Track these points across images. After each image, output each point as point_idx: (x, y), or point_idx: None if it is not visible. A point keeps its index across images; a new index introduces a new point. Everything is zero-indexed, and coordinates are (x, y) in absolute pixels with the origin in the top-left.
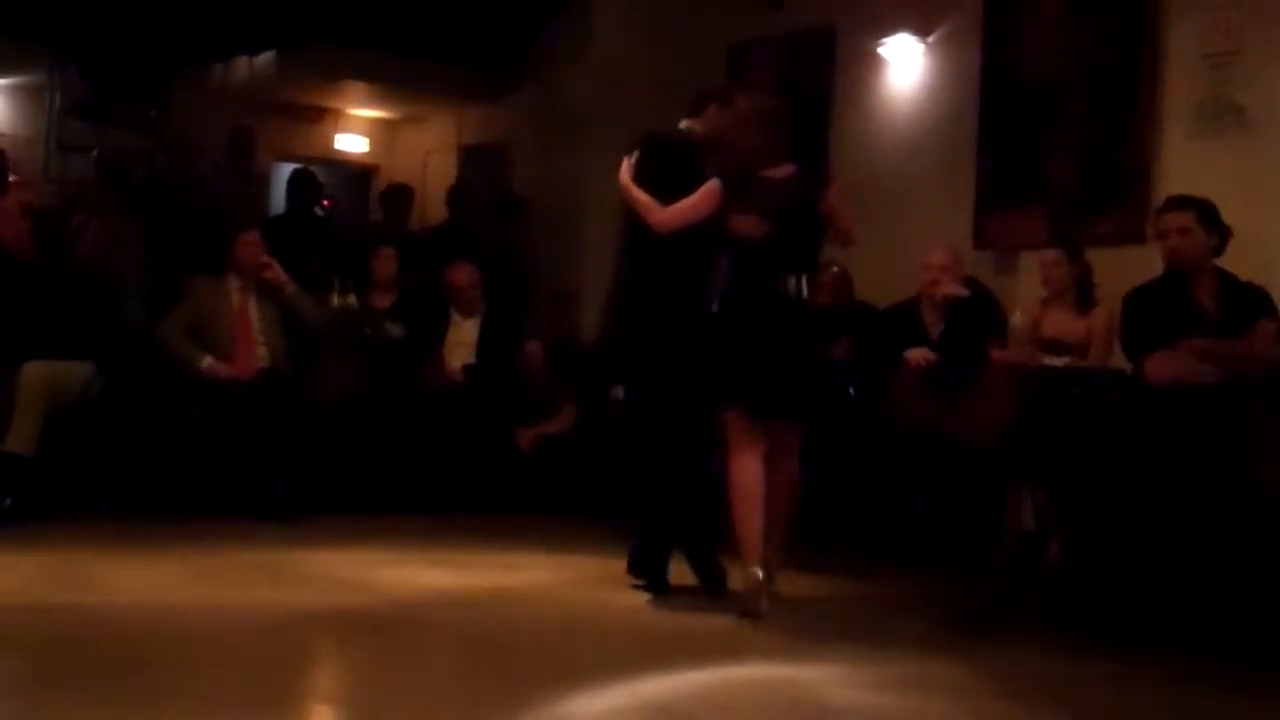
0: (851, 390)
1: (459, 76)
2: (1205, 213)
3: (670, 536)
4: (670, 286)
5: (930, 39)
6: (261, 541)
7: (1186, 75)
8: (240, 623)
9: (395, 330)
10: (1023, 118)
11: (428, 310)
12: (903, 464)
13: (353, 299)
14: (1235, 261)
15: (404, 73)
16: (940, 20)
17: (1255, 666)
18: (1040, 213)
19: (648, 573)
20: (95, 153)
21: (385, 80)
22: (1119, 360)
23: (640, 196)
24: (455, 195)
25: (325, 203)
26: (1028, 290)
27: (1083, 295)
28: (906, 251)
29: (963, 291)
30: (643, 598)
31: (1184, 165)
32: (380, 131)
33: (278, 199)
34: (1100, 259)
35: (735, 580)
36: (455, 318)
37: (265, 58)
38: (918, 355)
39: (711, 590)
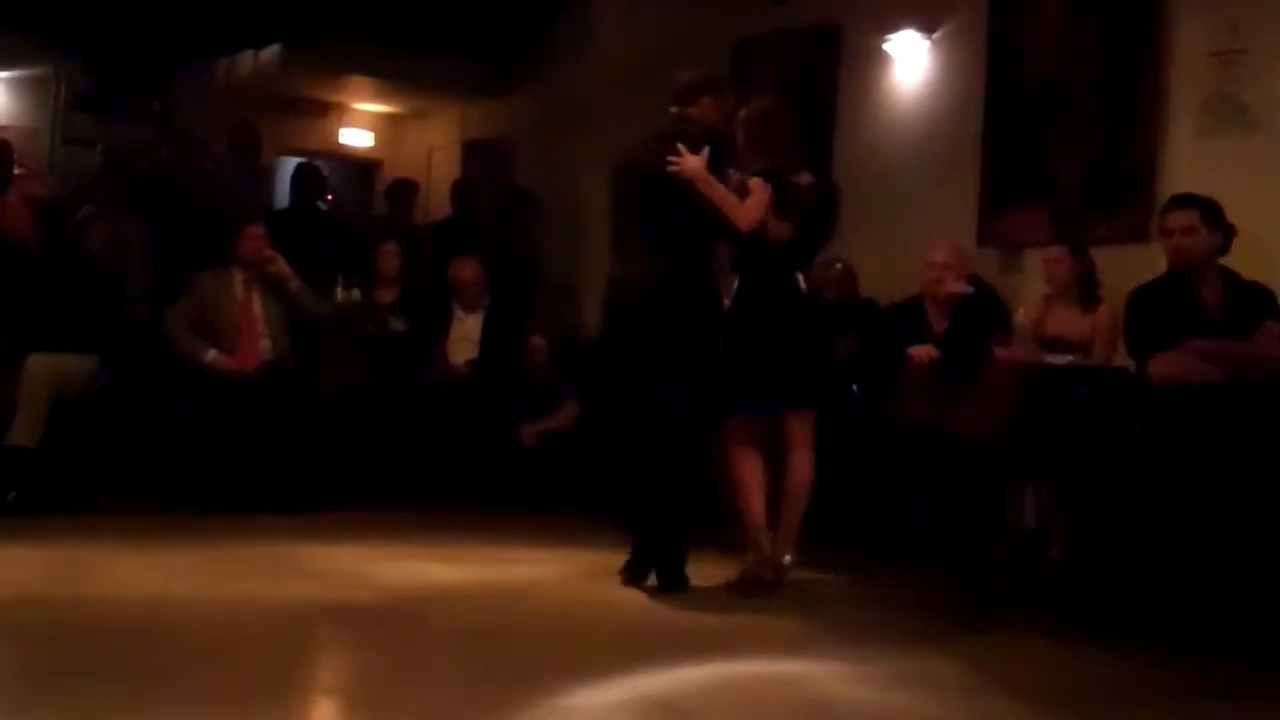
0: (855, 388)
1: (463, 72)
2: (1209, 212)
3: (679, 533)
4: (697, 284)
5: (935, 36)
6: (264, 535)
7: (1192, 73)
8: (242, 615)
9: (399, 325)
10: (1028, 115)
11: (431, 305)
12: (905, 461)
13: (356, 293)
14: (1241, 260)
15: (408, 68)
16: (945, 17)
17: (1258, 666)
18: (1045, 211)
19: (665, 573)
20: (99, 146)
21: (390, 75)
22: (1123, 359)
23: (726, 194)
24: (459, 190)
25: (329, 197)
26: (1032, 288)
27: (1086, 293)
28: (910, 249)
29: (966, 289)
30: (645, 593)
31: (1190, 164)
32: (384, 126)
33: (282, 193)
34: (1105, 257)
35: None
36: (459, 313)
37: (270, 52)
38: (921, 353)
39: (668, 588)
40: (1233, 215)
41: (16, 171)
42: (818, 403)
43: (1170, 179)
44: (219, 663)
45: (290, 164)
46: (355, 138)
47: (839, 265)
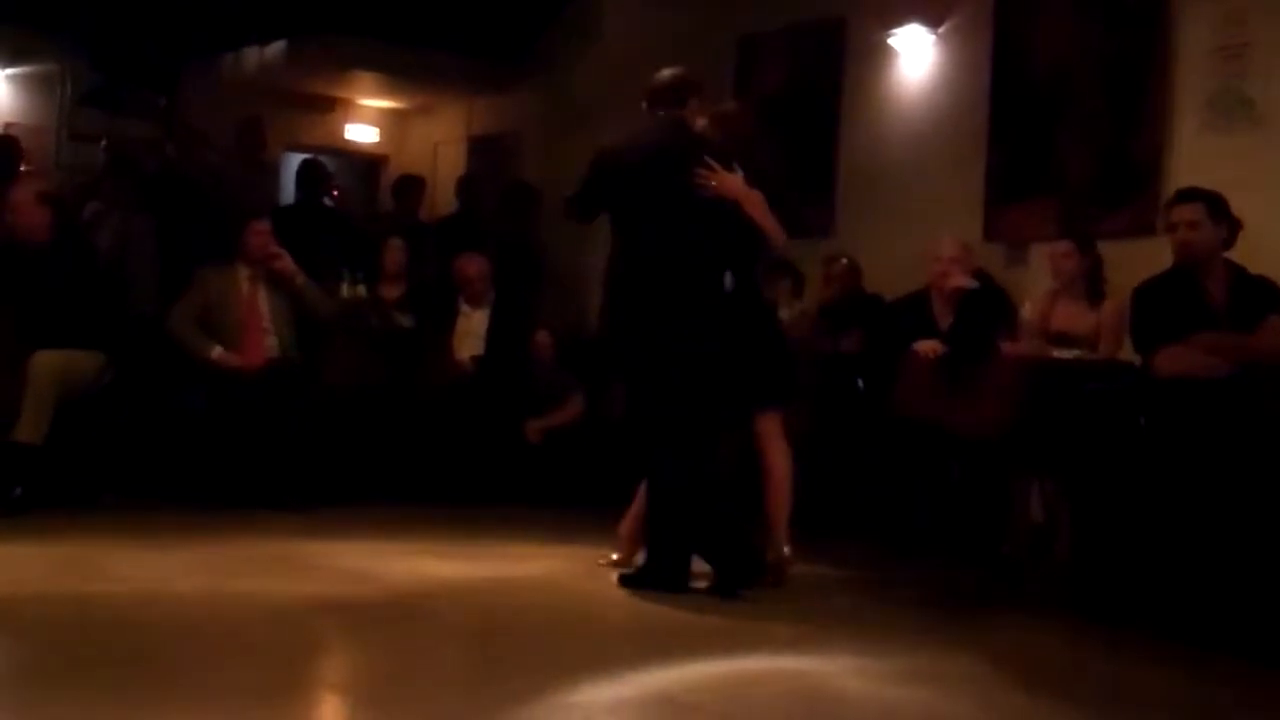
0: (860, 383)
1: (469, 67)
2: (1214, 206)
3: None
4: (714, 291)
5: (941, 30)
6: (269, 532)
7: (1198, 68)
8: (248, 612)
9: (404, 321)
10: (1034, 110)
11: (437, 301)
12: (911, 457)
13: (362, 289)
14: (1247, 255)
15: (414, 63)
16: (951, 11)
17: (1264, 660)
18: (1051, 205)
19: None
20: (105, 143)
21: (395, 70)
22: (1128, 353)
23: (768, 213)
24: (465, 186)
25: (334, 193)
26: (1037, 283)
27: (1092, 288)
28: (916, 243)
29: (972, 284)
30: (649, 591)
31: (1195, 158)
32: (390, 122)
33: (287, 189)
34: (1112, 252)
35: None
36: (464, 308)
37: (275, 47)
38: (927, 347)
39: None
40: (1239, 209)
41: (23, 168)
42: (777, 400)
43: (1175, 173)
44: (224, 660)
45: (295, 160)
46: (361, 133)
47: (844, 260)
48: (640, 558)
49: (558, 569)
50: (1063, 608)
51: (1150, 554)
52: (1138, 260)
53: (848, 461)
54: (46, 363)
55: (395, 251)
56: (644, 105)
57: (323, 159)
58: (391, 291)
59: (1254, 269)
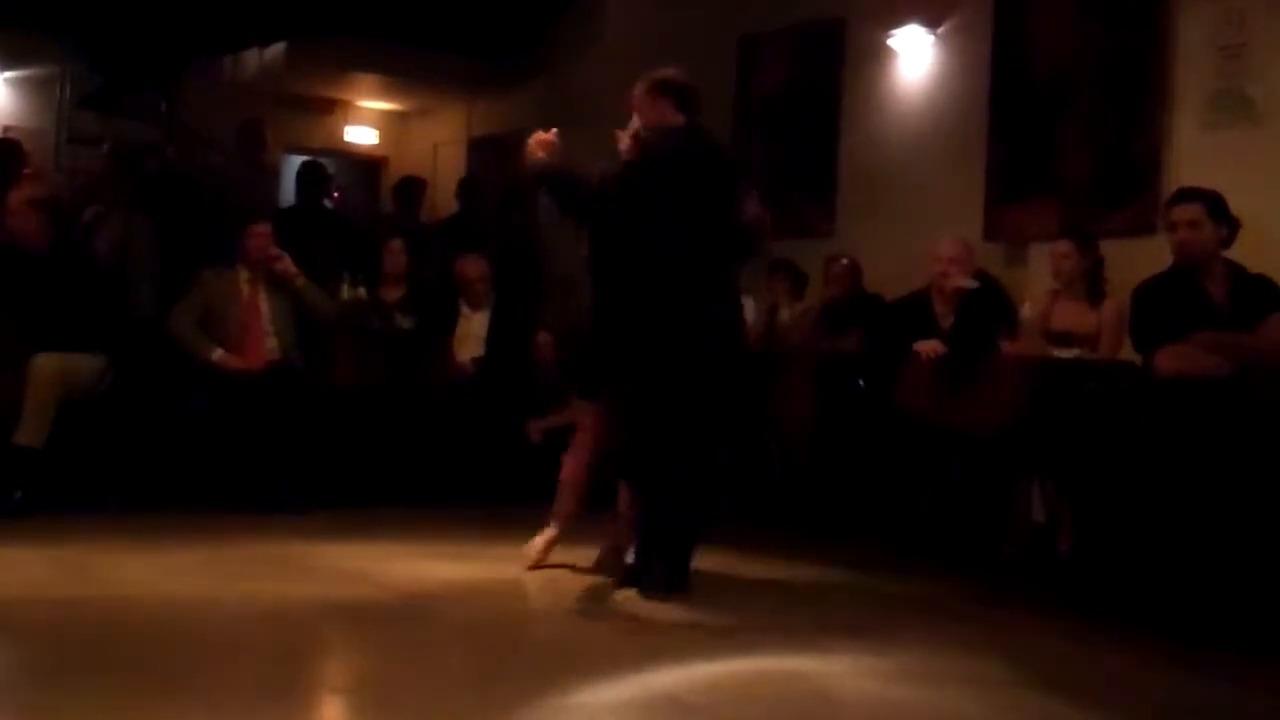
0: (861, 382)
1: (469, 68)
2: (1214, 205)
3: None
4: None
5: (940, 30)
6: (271, 533)
7: (1198, 67)
8: (249, 614)
9: (405, 323)
10: (1034, 109)
11: (438, 303)
12: (912, 456)
13: (363, 291)
14: (1247, 254)
15: (414, 65)
16: (950, 11)
17: (1265, 656)
18: (1051, 205)
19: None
20: (105, 145)
21: (395, 72)
22: (1129, 353)
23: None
24: (465, 187)
25: (335, 195)
26: (1038, 283)
27: (1093, 287)
28: (916, 243)
29: (972, 284)
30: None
31: (1195, 157)
32: (390, 123)
33: (288, 191)
34: (1112, 251)
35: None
36: (465, 310)
37: (275, 49)
38: (928, 347)
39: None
40: (1239, 208)
41: (24, 171)
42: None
43: (1175, 173)
44: (226, 662)
45: (296, 162)
46: (361, 135)
47: (844, 260)
48: (630, 556)
49: (560, 569)
50: (1064, 607)
51: (1151, 553)
52: (1138, 260)
53: (848, 462)
54: (47, 365)
55: (396, 253)
56: (671, 106)
57: (323, 161)
58: (392, 293)
59: (1254, 268)
